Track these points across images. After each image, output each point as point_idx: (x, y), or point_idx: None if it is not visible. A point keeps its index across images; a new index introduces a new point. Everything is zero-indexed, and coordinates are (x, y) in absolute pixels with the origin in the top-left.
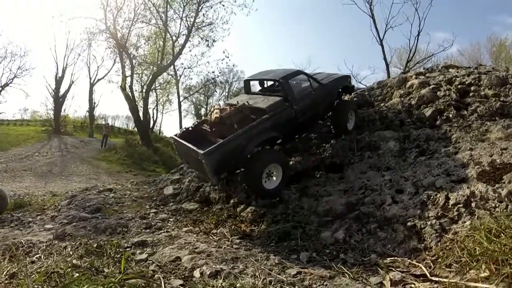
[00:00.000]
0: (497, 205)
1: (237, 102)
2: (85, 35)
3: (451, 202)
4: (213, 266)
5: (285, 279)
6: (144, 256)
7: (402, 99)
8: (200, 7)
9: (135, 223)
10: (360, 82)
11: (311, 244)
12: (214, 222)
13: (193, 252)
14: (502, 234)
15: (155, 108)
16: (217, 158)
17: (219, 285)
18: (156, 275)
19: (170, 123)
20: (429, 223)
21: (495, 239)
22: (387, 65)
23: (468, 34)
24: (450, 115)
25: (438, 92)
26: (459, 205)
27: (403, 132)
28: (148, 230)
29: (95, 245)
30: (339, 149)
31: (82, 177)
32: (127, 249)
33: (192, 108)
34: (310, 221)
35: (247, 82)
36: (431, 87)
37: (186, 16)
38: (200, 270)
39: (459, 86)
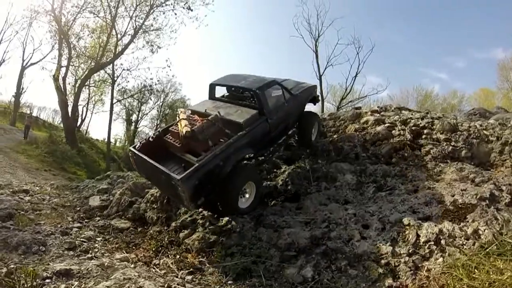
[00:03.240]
0: (464, 243)
1: (205, 110)
2: (28, 12)
3: (422, 239)
4: None
5: None
6: None
7: (357, 133)
8: (152, 10)
9: (55, 241)
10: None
11: (276, 284)
12: (153, 249)
13: None
14: (476, 270)
15: (86, 106)
16: (194, 183)
17: None
18: None
19: (98, 124)
20: (402, 260)
21: (474, 275)
22: (323, 100)
23: (400, 81)
24: (406, 154)
25: (393, 131)
26: (430, 242)
27: (359, 166)
28: (71, 253)
29: (3, 271)
30: (294, 177)
31: None
32: (46, 280)
33: (123, 112)
34: (270, 255)
35: (213, 86)
36: (386, 125)
37: (136, 16)
38: None
39: (413, 128)
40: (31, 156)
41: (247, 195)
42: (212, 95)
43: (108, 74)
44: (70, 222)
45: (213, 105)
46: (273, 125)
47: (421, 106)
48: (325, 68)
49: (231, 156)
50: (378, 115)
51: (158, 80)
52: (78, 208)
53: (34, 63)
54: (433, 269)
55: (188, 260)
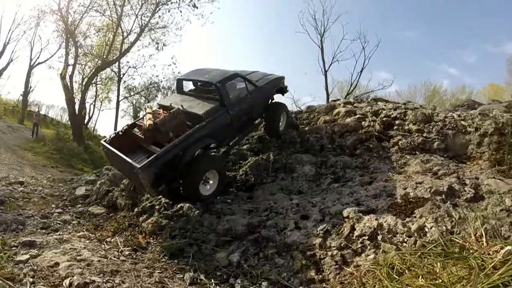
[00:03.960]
0: (405, 240)
1: (170, 104)
2: (35, 12)
3: (356, 233)
4: (88, 277)
5: None
6: (25, 257)
7: (326, 125)
8: (157, 8)
9: (33, 222)
10: (299, 107)
11: (203, 265)
12: (113, 230)
13: (74, 259)
14: (406, 272)
15: (93, 103)
16: (154, 171)
17: None
18: (24, 280)
19: (106, 122)
20: (330, 253)
21: (397, 277)
22: (328, 95)
23: (407, 77)
24: (371, 145)
25: (363, 122)
26: (364, 237)
27: (321, 158)
28: (43, 231)
29: None
30: (254, 168)
31: (3, 167)
32: (13, 248)
33: (131, 109)
34: (208, 239)
35: (179, 82)
36: (356, 116)
37: (142, 14)
38: (70, 279)
39: (384, 119)
40: (39, 153)
41: (210, 182)
42: (179, 90)
43: (115, 72)
44: (53, 208)
45: (179, 99)
46: (235, 116)
47: (429, 102)
48: (331, 64)
49: (191, 146)
50: (350, 106)
51: (164, 77)
52: (65, 197)
53: (42, 62)
54: (362, 265)
55: (138, 240)
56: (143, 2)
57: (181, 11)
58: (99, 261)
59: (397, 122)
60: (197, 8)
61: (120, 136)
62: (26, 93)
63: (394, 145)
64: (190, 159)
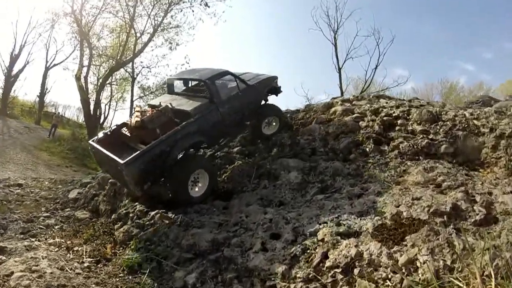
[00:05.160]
0: (389, 276)
1: (160, 103)
2: (50, 14)
3: (328, 263)
4: None
5: None
6: None
7: (320, 125)
8: (170, 8)
9: (15, 226)
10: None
11: (156, 284)
12: (86, 237)
13: (28, 270)
14: None
15: (108, 104)
16: (139, 167)
17: None
18: None
19: (121, 121)
20: (293, 286)
21: None
22: (342, 93)
23: (425, 74)
24: (367, 149)
25: (361, 122)
26: (337, 269)
27: (311, 163)
28: (21, 236)
29: None
30: (236, 173)
31: (19, 166)
32: None
33: (144, 105)
34: (171, 254)
35: (171, 81)
36: (354, 115)
37: (154, 14)
38: None
39: (384, 118)
40: (54, 153)
41: (200, 184)
42: (170, 90)
43: (129, 72)
44: (42, 212)
45: (169, 98)
46: (225, 114)
47: (446, 99)
48: (345, 61)
49: (178, 142)
50: (348, 105)
51: None
52: (58, 200)
53: (57, 64)
54: None
55: (106, 250)
56: (155, 2)
57: (193, 10)
58: (51, 273)
59: (399, 121)
60: (209, 7)
61: (108, 136)
62: (42, 94)
63: (394, 149)
64: (178, 157)
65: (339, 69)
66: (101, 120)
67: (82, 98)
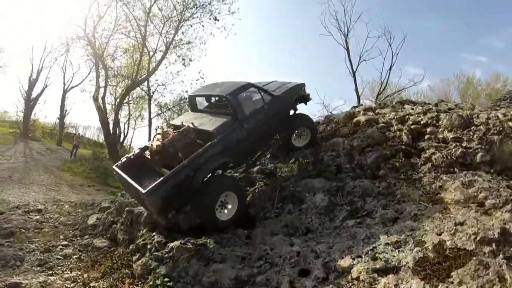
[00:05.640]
0: None
1: (182, 123)
2: (64, 39)
3: None
4: None
5: None
6: None
7: (344, 139)
8: (180, 25)
9: (33, 257)
10: (330, 112)
11: None
12: (103, 270)
13: None
14: None
15: (127, 122)
16: (161, 195)
17: None
18: None
19: (141, 139)
20: None
21: None
22: (358, 97)
23: (438, 70)
24: (397, 164)
25: (387, 133)
26: None
27: (337, 182)
28: (38, 268)
29: None
30: (257, 197)
31: (42, 187)
32: None
33: (165, 125)
34: None
35: (192, 98)
36: (379, 125)
37: (165, 32)
38: None
39: (412, 127)
40: (76, 173)
41: (229, 206)
42: (193, 107)
43: (144, 91)
44: (61, 240)
45: (191, 117)
46: (251, 130)
47: (464, 94)
48: (358, 64)
49: (202, 166)
50: (371, 114)
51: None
52: (77, 226)
53: (75, 86)
54: None
55: (124, 286)
56: (165, 20)
57: (203, 26)
58: None
59: (428, 129)
60: (218, 20)
61: (132, 160)
62: (62, 116)
63: (427, 162)
64: (203, 181)
65: (354, 72)
66: (121, 139)
67: (100, 118)
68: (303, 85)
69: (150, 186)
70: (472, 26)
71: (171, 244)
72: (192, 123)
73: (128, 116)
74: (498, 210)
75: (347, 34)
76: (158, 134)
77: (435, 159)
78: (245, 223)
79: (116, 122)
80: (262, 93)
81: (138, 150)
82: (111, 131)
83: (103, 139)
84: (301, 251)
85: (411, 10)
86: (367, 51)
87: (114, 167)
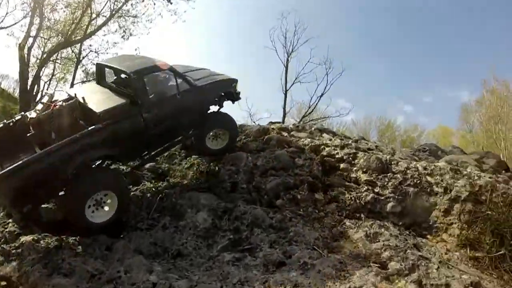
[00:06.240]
0: None
1: (75, 95)
2: None
3: None
4: None
5: None
6: None
7: (249, 154)
8: None
9: None
10: (254, 122)
11: None
12: None
13: None
14: None
15: (49, 82)
16: (15, 184)
17: None
18: None
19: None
20: None
21: None
22: (284, 114)
23: (365, 109)
24: (299, 196)
25: (297, 159)
26: None
27: (227, 202)
28: None
29: None
30: (135, 201)
31: None
32: None
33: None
34: None
35: (100, 68)
36: (290, 149)
37: None
38: None
39: (325, 159)
40: None
41: (106, 208)
42: (99, 79)
43: (75, 53)
44: None
45: (90, 89)
46: (151, 121)
47: (382, 135)
48: (292, 84)
49: (76, 155)
50: (286, 134)
51: None
52: None
53: (4, 28)
54: None
55: None
56: None
57: (154, 3)
58: None
59: (342, 165)
60: (171, 3)
61: (10, 128)
62: None
63: (332, 201)
64: (74, 173)
65: (286, 90)
66: (37, 98)
67: (21, 69)
68: (234, 80)
69: (4, 170)
70: (409, 76)
71: (23, 238)
72: (83, 98)
73: (51, 76)
74: (402, 278)
75: (290, 53)
76: (41, 103)
77: (342, 199)
78: (114, 228)
79: (37, 79)
80: (178, 80)
81: (20, 116)
82: (29, 87)
83: (19, 94)
84: (158, 284)
85: (358, 49)
86: (304, 74)
87: None
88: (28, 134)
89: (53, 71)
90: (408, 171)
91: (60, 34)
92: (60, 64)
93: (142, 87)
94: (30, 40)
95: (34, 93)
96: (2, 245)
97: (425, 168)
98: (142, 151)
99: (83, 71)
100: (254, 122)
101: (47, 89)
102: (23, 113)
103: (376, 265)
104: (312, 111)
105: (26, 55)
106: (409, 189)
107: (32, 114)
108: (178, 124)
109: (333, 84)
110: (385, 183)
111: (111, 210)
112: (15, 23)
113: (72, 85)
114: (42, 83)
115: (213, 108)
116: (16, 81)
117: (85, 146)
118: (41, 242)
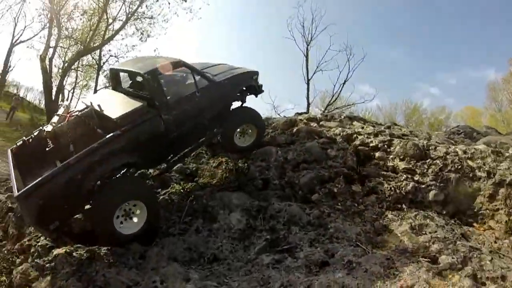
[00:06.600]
0: None
1: (91, 103)
2: None
3: None
4: None
5: None
6: None
7: (279, 148)
8: None
9: None
10: (278, 114)
11: None
12: None
13: None
14: None
15: (72, 90)
16: (37, 202)
17: None
18: None
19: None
20: None
21: None
22: (308, 105)
23: (390, 94)
24: (335, 189)
25: (329, 150)
26: None
27: (260, 201)
28: None
29: None
30: (165, 205)
31: None
32: None
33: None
34: None
35: (115, 73)
36: (321, 140)
37: (129, 1)
38: None
39: (359, 147)
40: (10, 139)
41: (135, 219)
42: (115, 84)
43: (95, 59)
44: None
45: (105, 96)
46: (172, 123)
47: (408, 119)
48: (314, 73)
49: (95, 166)
50: (315, 125)
51: None
52: None
53: (24, 41)
54: None
55: None
56: None
57: (169, 3)
58: None
59: (377, 154)
60: (185, 1)
61: (29, 145)
62: (4, 72)
63: (370, 193)
64: (98, 185)
65: (308, 80)
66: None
67: (44, 80)
68: (255, 73)
69: (22, 190)
70: (432, 61)
71: (55, 251)
72: (99, 105)
73: (74, 84)
74: (455, 273)
75: (310, 42)
76: (57, 115)
77: (381, 190)
78: (144, 236)
79: (60, 88)
80: (196, 77)
81: (38, 132)
82: (53, 97)
83: (44, 104)
84: None
85: (378, 35)
86: (325, 62)
87: (8, 150)
88: (47, 149)
89: (76, 79)
90: (447, 156)
91: (79, 42)
92: (82, 71)
93: (158, 87)
94: (51, 50)
95: (59, 103)
96: (35, 260)
97: (465, 152)
98: (167, 155)
99: (104, 76)
100: (279, 115)
101: (71, 98)
102: (40, 128)
103: (426, 259)
104: (336, 99)
105: (48, 66)
106: (450, 175)
107: (48, 128)
108: (201, 123)
109: (355, 71)
110: (425, 170)
111: (141, 221)
112: (34, 36)
113: (95, 91)
114: (66, 92)
115: (236, 104)
116: (40, 92)
117: (104, 155)
118: (74, 254)
